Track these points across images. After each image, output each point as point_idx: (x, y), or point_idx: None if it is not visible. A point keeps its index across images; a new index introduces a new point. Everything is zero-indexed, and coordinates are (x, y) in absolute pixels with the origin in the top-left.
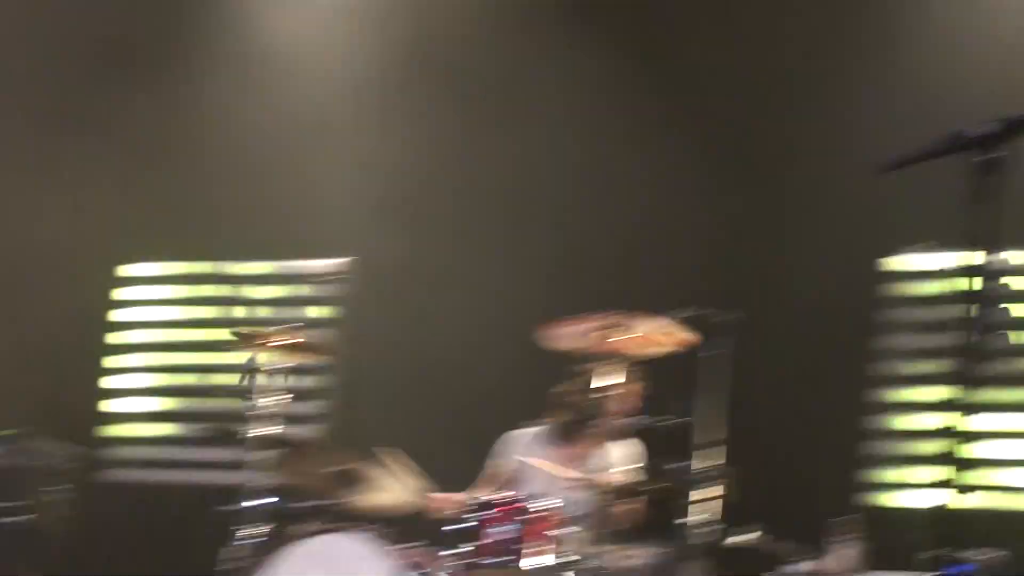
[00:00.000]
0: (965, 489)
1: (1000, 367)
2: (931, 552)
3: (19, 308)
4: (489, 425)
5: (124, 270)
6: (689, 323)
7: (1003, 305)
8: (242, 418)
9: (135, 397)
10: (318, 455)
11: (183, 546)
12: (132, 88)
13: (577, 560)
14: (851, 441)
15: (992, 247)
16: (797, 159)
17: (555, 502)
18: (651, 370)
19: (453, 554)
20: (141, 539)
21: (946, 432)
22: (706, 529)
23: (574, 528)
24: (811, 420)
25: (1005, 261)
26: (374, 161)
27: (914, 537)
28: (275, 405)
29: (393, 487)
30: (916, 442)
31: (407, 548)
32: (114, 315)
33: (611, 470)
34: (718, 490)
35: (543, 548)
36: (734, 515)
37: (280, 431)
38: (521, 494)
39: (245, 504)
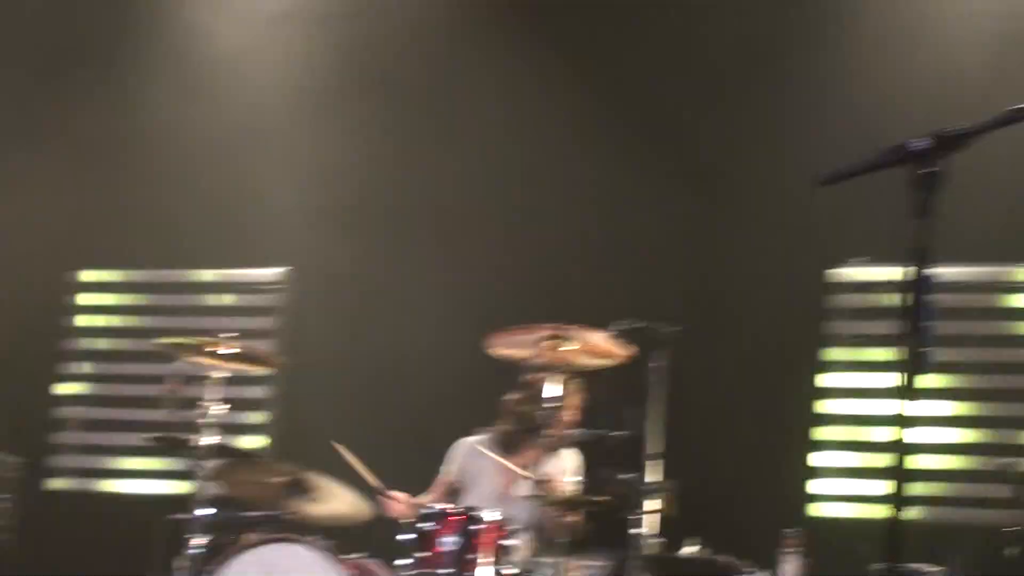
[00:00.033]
0: (909, 502)
1: (934, 381)
2: (876, 565)
3: None
4: (437, 433)
5: (72, 277)
6: (630, 335)
7: (935, 322)
8: (187, 428)
9: (86, 406)
10: (262, 465)
11: (131, 556)
12: (75, 94)
13: (524, 571)
14: (795, 453)
15: (928, 261)
16: (740, 171)
17: (504, 513)
18: (593, 382)
19: (403, 564)
20: (87, 548)
21: (889, 445)
22: (648, 542)
23: (522, 539)
24: (754, 431)
25: (939, 276)
26: (316, 168)
27: (859, 550)
28: (216, 415)
29: (342, 495)
30: (860, 454)
31: (356, 558)
32: (64, 322)
33: (556, 480)
34: (659, 503)
35: (492, 558)
36: (675, 528)
37: (224, 441)
38: (471, 504)
39: (193, 514)
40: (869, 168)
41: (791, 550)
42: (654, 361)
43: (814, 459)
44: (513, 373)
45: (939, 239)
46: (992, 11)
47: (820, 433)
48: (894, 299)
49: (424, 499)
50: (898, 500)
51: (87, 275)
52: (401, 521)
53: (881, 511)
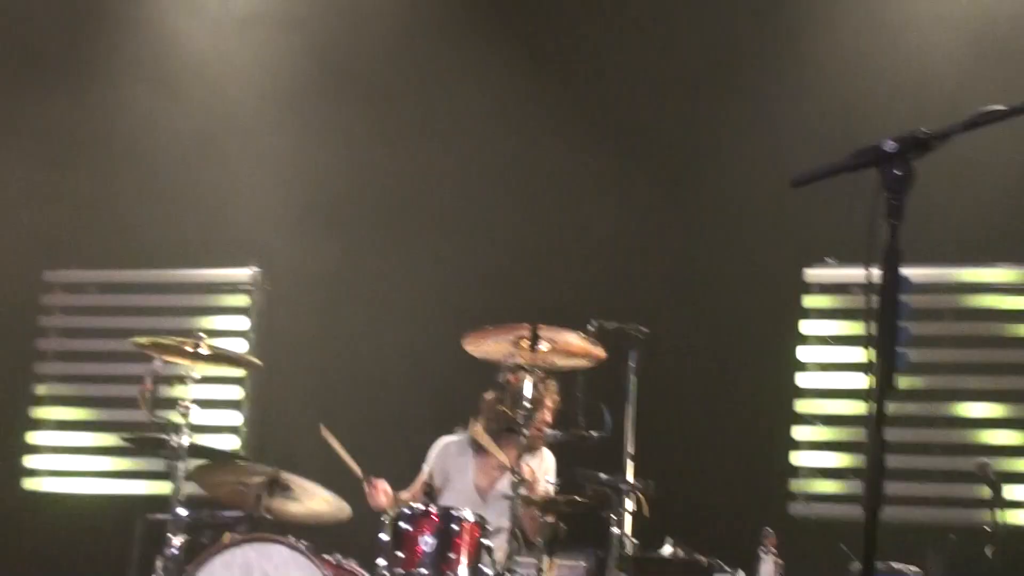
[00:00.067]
0: (886, 501)
1: (910, 381)
2: (854, 565)
3: None
4: (413, 432)
5: (47, 277)
6: (606, 335)
7: (904, 322)
8: (163, 428)
9: (63, 407)
10: (238, 465)
11: (109, 557)
12: (48, 95)
13: (502, 571)
14: (771, 452)
15: (901, 262)
16: (715, 171)
17: (482, 512)
18: (569, 382)
19: (381, 563)
20: (64, 549)
21: (867, 444)
22: (623, 542)
23: (500, 539)
24: (730, 431)
25: (912, 277)
26: (290, 169)
27: (837, 549)
28: (192, 415)
29: (319, 495)
30: (838, 454)
31: (334, 557)
32: (39, 322)
33: (533, 481)
34: (633, 503)
35: (470, 558)
36: (652, 528)
37: (199, 442)
38: (449, 503)
39: (171, 514)
40: (842, 169)
41: (767, 550)
42: (630, 361)
43: (791, 458)
44: (490, 372)
45: (912, 240)
46: (965, 15)
47: (797, 432)
48: (868, 300)
49: (404, 495)
50: (874, 500)
51: (61, 275)
52: (382, 512)
53: (858, 511)
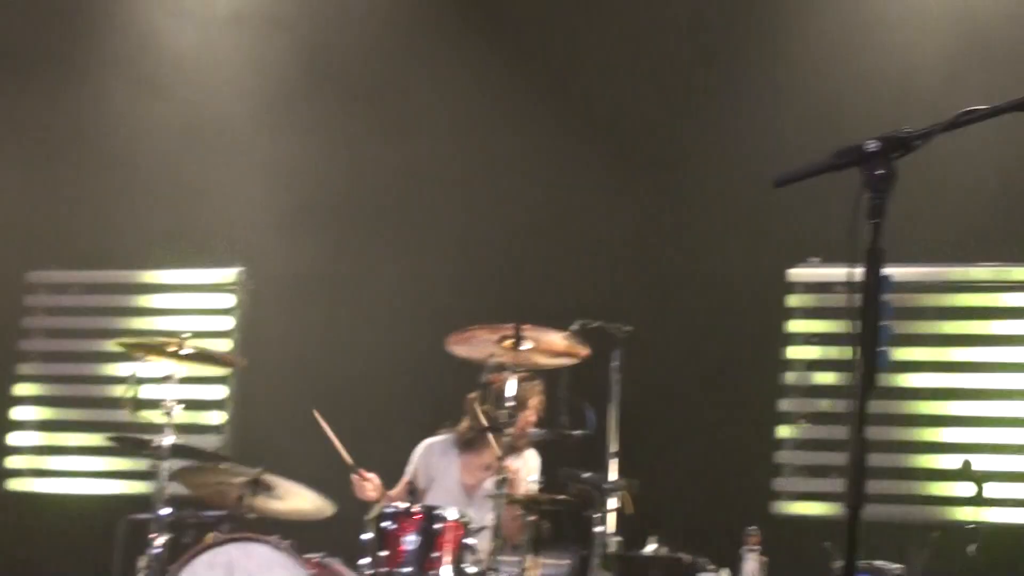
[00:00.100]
0: (868, 500)
1: (893, 380)
2: (836, 563)
3: None
4: (396, 433)
5: (28, 277)
6: (588, 334)
7: (887, 321)
8: (146, 428)
9: (46, 407)
10: (221, 465)
11: (91, 557)
12: (29, 94)
13: (485, 570)
14: (755, 451)
15: (883, 261)
16: (698, 171)
17: (466, 512)
18: (552, 381)
19: (364, 562)
20: (47, 550)
21: (850, 442)
22: (607, 541)
23: (483, 538)
24: (714, 430)
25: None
26: (272, 168)
27: (820, 547)
28: (175, 415)
29: (301, 494)
30: (820, 452)
31: (317, 556)
32: (21, 323)
33: (517, 480)
34: (618, 501)
35: (453, 557)
36: (636, 526)
37: (183, 442)
38: (433, 504)
39: (154, 514)
40: (824, 169)
41: (751, 548)
42: (613, 360)
43: (775, 457)
44: (474, 373)
45: (895, 239)
46: (948, 13)
47: (781, 431)
48: (851, 299)
49: (389, 494)
50: (857, 498)
51: (45, 276)
52: (369, 503)
53: (841, 509)
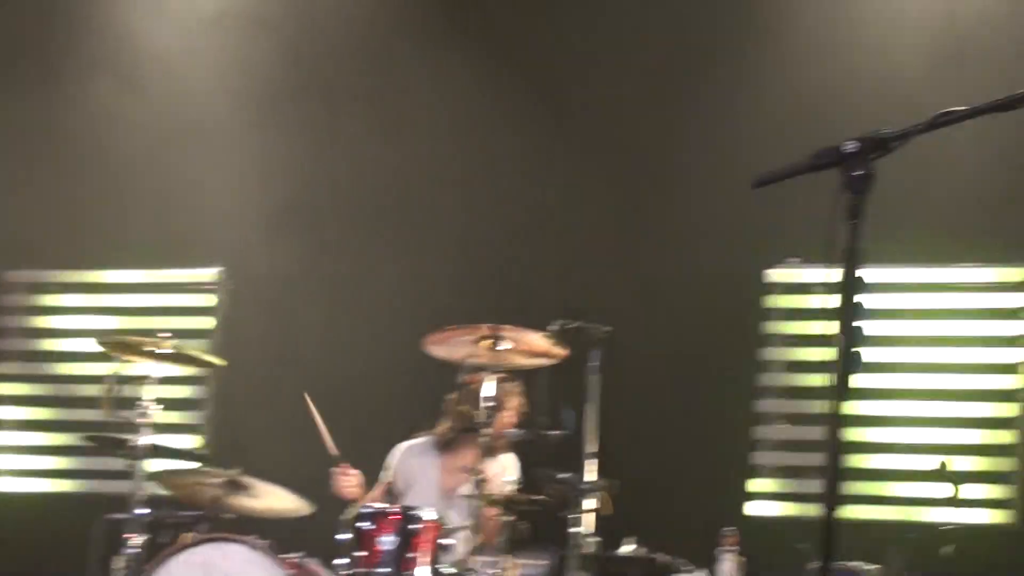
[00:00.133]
0: (844, 501)
1: (865, 381)
2: (813, 563)
3: None
4: (375, 434)
5: (7, 277)
6: (567, 334)
7: (862, 322)
8: (124, 427)
9: (24, 407)
10: (199, 465)
11: (67, 556)
12: (8, 92)
13: (463, 571)
14: (732, 452)
15: (860, 262)
16: (677, 171)
17: (441, 513)
18: (530, 382)
19: (341, 563)
20: (23, 549)
21: (825, 443)
22: (585, 541)
23: (460, 539)
24: (691, 431)
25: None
26: (253, 168)
27: (796, 548)
28: (152, 415)
29: (278, 494)
30: (797, 453)
31: (293, 557)
32: (2, 322)
33: (495, 481)
34: (595, 502)
35: (430, 558)
36: (613, 527)
37: (160, 441)
38: (410, 504)
39: (131, 514)
40: (803, 170)
41: (728, 548)
42: (591, 360)
43: (752, 458)
44: (455, 374)
45: (872, 240)
46: (926, 16)
47: (757, 432)
48: (828, 299)
49: (368, 496)
50: (833, 499)
51: (23, 275)
52: (347, 500)
53: (817, 510)
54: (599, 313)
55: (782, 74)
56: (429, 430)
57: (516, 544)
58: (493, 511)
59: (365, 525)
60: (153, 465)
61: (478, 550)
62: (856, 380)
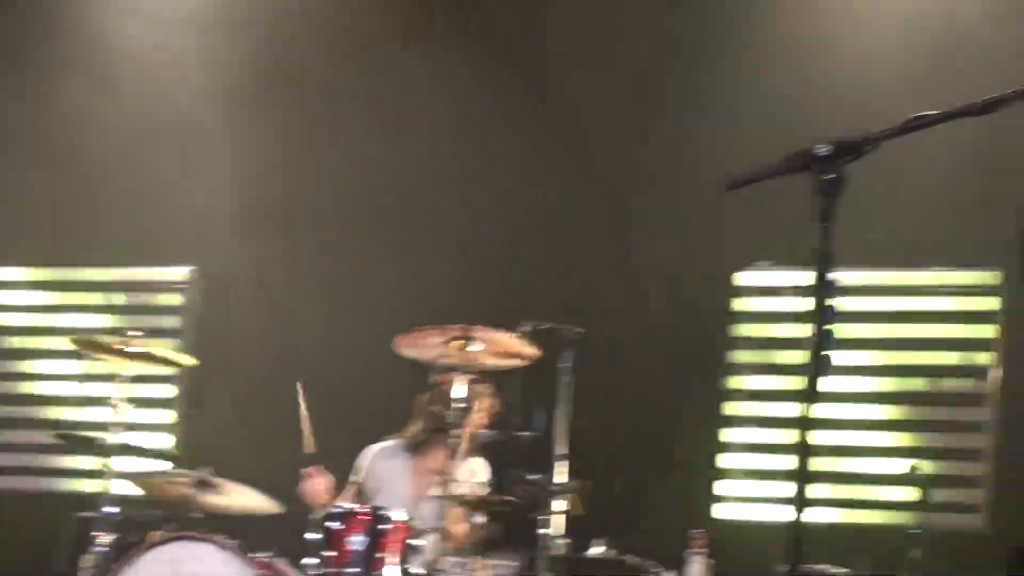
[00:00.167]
0: (813, 504)
1: (835, 385)
2: (781, 567)
3: None
4: (345, 435)
5: None
6: (537, 336)
7: (832, 325)
8: (94, 426)
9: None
10: (169, 464)
11: (36, 554)
12: None
13: (431, 572)
14: (701, 455)
15: (831, 265)
16: (649, 174)
17: (411, 514)
18: (501, 383)
19: (310, 563)
20: None
21: (794, 446)
22: (555, 543)
23: (429, 540)
24: (661, 433)
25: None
26: (227, 169)
27: (765, 552)
28: (122, 413)
29: (248, 494)
30: (766, 456)
31: (263, 556)
32: None
33: (465, 482)
34: (565, 504)
35: (399, 558)
36: (582, 528)
37: (130, 440)
38: (379, 505)
39: (100, 512)
40: (775, 173)
41: (697, 551)
42: (562, 362)
43: (720, 461)
44: (425, 375)
45: (843, 243)
46: (900, 20)
47: (726, 435)
48: (798, 302)
49: (339, 499)
50: (802, 502)
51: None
52: (312, 507)
53: (786, 513)
54: (571, 314)
55: (756, 78)
56: (400, 431)
57: (486, 545)
58: (464, 512)
59: (334, 525)
60: (123, 464)
61: (448, 551)
62: (826, 383)
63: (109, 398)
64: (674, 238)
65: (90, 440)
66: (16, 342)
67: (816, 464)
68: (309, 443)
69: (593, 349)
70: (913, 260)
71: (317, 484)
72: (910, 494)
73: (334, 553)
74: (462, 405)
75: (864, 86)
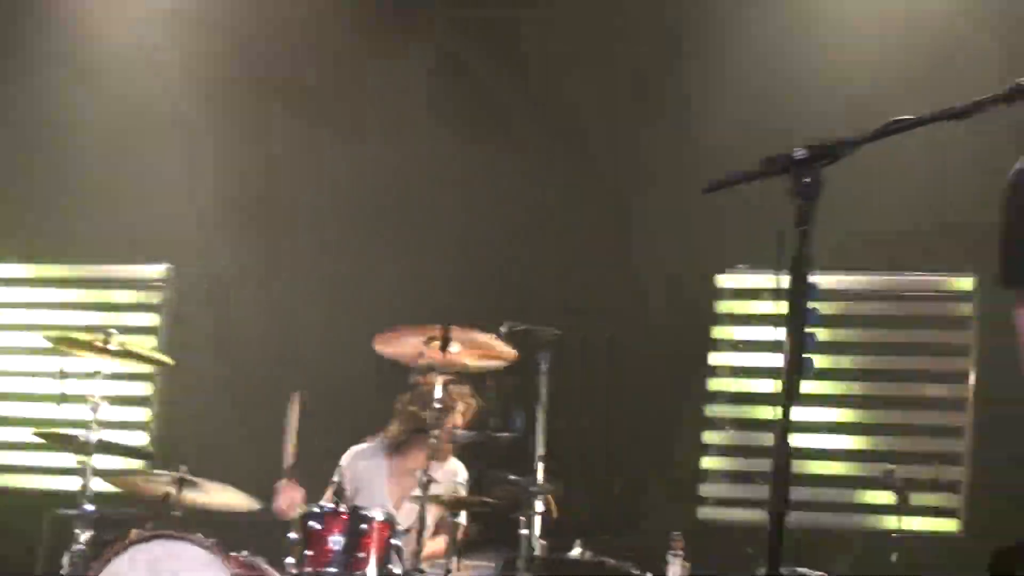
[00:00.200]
0: (792, 506)
1: (818, 387)
2: (760, 569)
3: None
4: (325, 435)
5: None
6: (517, 337)
7: (812, 328)
8: (72, 423)
9: None
10: (147, 461)
11: (15, 552)
12: None
13: (411, 572)
14: (680, 457)
15: (810, 268)
16: (630, 177)
17: (391, 514)
18: (480, 383)
19: (289, 562)
20: None
21: (774, 449)
22: (533, 544)
23: (409, 540)
24: (641, 434)
25: (821, 283)
26: (205, 167)
27: (744, 553)
28: (98, 411)
29: (226, 492)
30: (746, 458)
31: (241, 555)
32: None
33: (445, 483)
34: (543, 505)
35: (379, 558)
36: (562, 530)
37: (108, 438)
38: (360, 505)
39: (78, 510)
40: (753, 176)
41: (676, 553)
42: (542, 363)
43: (700, 462)
44: (404, 375)
45: (822, 247)
46: (881, 24)
47: (707, 437)
48: (778, 305)
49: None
50: (781, 505)
51: None
52: (282, 517)
53: (765, 515)
54: (549, 316)
55: (735, 81)
56: (380, 432)
57: (465, 545)
58: (445, 513)
59: (314, 524)
60: (100, 461)
61: (428, 551)
62: (805, 386)
63: (87, 395)
64: (655, 240)
65: (68, 437)
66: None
67: (795, 467)
68: (290, 454)
69: (574, 350)
70: (891, 264)
71: (289, 498)
72: (889, 497)
73: (314, 552)
74: (441, 405)
75: (845, 90)
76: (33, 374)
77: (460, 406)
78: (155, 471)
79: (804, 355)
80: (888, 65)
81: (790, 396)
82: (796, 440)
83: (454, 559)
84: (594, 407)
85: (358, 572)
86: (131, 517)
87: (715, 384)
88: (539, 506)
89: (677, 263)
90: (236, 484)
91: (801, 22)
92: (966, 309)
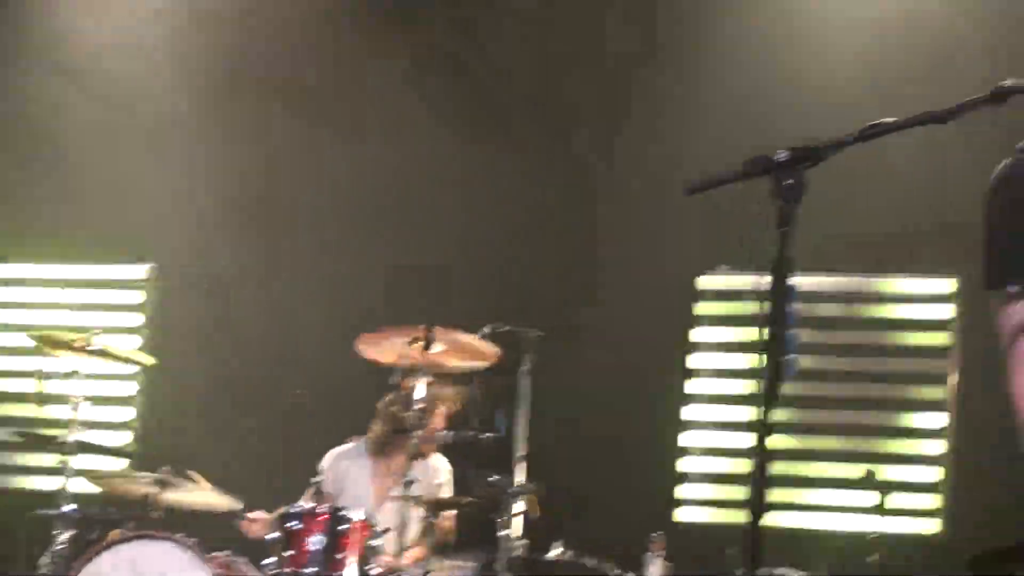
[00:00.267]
0: (771, 508)
1: (797, 389)
2: (740, 570)
3: None
4: (306, 435)
5: None
6: (499, 337)
7: (796, 330)
8: (52, 424)
9: None
10: (128, 461)
11: None
12: None
13: (391, 572)
14: (660, 457)
15: (790, 270)
16: (609, 178)
17: (372, 514)
18: (462, 384)
19: (269, 562)
20: None
21: (753, 451)
22: (512, 544)
23: (389, 540)
24: (620, 435)
25: (801, 285)
26: (189, 166)
27: (723, 554)
28: (80, 411)
29: (207, 491)
30: (725, 460)
31: (221, 555)
32: None
33: (426, 483)
34: (523, 506)
35: (358, 558)
36: (541, 530)
37: (89, 438)
38: (339, 505)
39: (59, 510)
40: (735, 178)
41: (656, 553)
42: (522, 364)
43: (680, 464)
44: (387, 376)
45: (802, 249)
46: (866, 26)
47: (686, 438)
48: (758, 307)
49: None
50: (759, 506)
51: None
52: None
53: (744, 516)
54: (531, 317)
55: (719, 82)
56: (363, 433)
57: (446, 546)
58: (427, 513)
59: (294, 524)
60: (82, 462)
61: (410, 552)
62: (785, 388)
63: (68, 396)
64: (635, 241)
65: (49, 438)
66: None
67: (774, 468)
68: (228, 505)
69: (553, 350)
70: (872, 266)
71: (252, 527)
72: (868, 499)
73: (293, 552)
74: (423, 406)
75: (828, 90)
76: (15, 374)
77: (442, 407)
78: (137, 472)
79: (785, 356)
80: (888, 65)
81: (770, 397)
82: (776, 441)
83: (435, 559)
84: (575, 408)
85: (337, 572)
86: (112, 517)
87: (694, 385)
88: (519, 506)
89: (657, 264)
90: (219, 482)
91: (801, 22)
92: (947, 311)
